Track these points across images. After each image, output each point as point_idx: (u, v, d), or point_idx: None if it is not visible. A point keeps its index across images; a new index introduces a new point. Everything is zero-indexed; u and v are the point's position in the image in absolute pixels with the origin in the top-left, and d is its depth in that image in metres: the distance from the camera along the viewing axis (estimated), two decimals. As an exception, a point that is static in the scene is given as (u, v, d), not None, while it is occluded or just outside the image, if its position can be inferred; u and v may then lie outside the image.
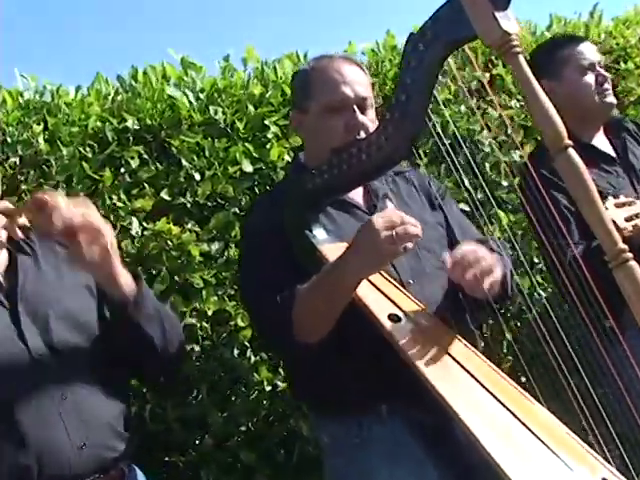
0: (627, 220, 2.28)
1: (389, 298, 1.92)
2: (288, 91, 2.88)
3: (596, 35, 3.65)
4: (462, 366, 1.80)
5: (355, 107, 2.08)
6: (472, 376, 1.78)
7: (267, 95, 2.90)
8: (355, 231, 1.82)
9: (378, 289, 1.92)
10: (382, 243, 1.75)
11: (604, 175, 2.76)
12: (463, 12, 1.62)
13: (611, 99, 2.84)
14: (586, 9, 3.71)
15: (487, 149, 3.19)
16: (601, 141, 2.87)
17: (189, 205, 2.64)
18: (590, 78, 2.79)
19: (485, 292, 1.85)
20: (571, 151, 1.49)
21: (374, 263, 1.83)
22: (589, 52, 2.84)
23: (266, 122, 2.83)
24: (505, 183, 3.18)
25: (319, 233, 1.97)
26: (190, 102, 2.77)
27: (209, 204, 2.67)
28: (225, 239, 2.65)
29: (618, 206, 2.40)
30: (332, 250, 1.92)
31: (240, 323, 2.57)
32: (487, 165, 3.15)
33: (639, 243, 1.90)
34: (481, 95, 3.33)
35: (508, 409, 1.74)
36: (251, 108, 2.83)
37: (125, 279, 1.74)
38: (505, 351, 3.09)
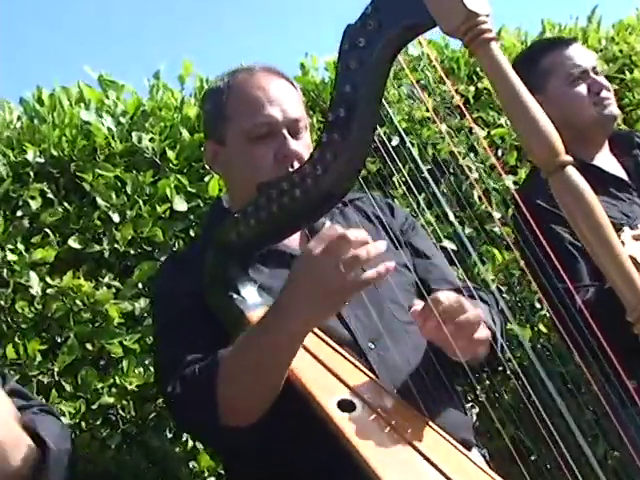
0: None
1: (337, 376, 1.50)
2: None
3: (596, 42, 3.19)
4: (427, 459, 1.41)
5: (285, 132, 1.69)
6: (438, 469, 1.39)
7: (205, 118, 2.40)
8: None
9: (322, 363, 1.50)
10: (328, 277, 1.34)
11: (614, 203, 2.30)
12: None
13: (611, 110, 2.36)
14: (583, 13, 3.23)
15: (475, 175, 2.70)
16: (607, 161, 2.40)
17: (106, 254, 2.21)
18: (582, 88, 2.33)
19: (469, 352, 1.48)
20: (570, 170, 1.12)
21: (322, 308, 1.41)
22: (579, 56, 2.38)
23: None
24: (497, 214, 2.71)
25: (249, 294, 1.57)
26: (108, 128, 2.27)
27: (132, 252, 2.23)
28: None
29: (636, 239, 1.98)
30: None
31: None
32: (475, 194, 2.66)
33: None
34: (465, 113, 2.85)
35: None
36: (185, 134, 2.37)
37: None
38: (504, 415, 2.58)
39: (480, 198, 2.71)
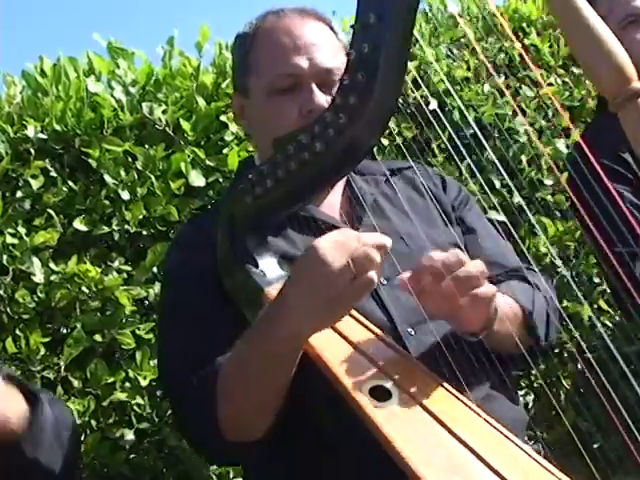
0: None
1: (371, 359, 1.28)
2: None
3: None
4: (477, 455, 1.18)
5: (313, 84, 1.49)
6: (490, 468, 1.17)
7: (223, 85, 2.24)
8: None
9: (352, 344, 1.29)
10: (336, 279, 1.14)
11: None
12: None
13: None
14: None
15: (523, 139, 2.46)
16: None
17: (116, 236, 2.03)
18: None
19: (476, 315, 1.31)
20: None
21: (326, 313, 1.19)
22: None
23: (222, 119, 2.18)
24: (549, 182, 2.48)
25: (269, 267, 1.38)
26: (117, 99, 2.08)
27: (144, 233, 2.06)
28: None
29: None
30: None
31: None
32: (524, 159, 2.43)
33: None
34: (511, 72, 2.60)
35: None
36: (202, 103, 2.18)
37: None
38: (564, 404, 2.35)
39: (529, 164, 2.47)
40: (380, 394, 1.22)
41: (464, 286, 1.24)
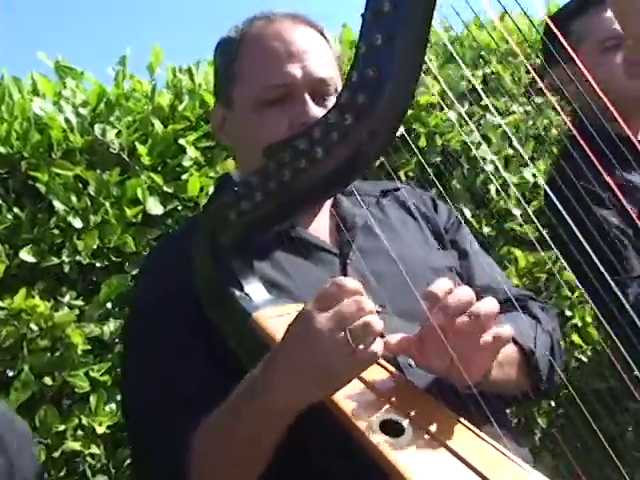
0: None
1: (378, 392, 1.15)
2: (211, 101, 2.08)
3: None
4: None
5: (306, 95, 1.38)
6: None
7: (180, 108, 2.10)
8: (318, 287, 1.09)
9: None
10: (332, 354, 1.02)
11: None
12: None
13: None
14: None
15: (489, 167, 2.38)
16: None
17: (66, 268, 1.88)
18: (618, 56, 2.04)
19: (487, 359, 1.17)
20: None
21: (320, 390, 1.07)
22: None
23: (181, 143, 2.05)
24: (517, 212, 2.37)
25: (255, 291, 1.25)
26: (66, 119, 1.93)
27: (97, 264, 1.91)
28: (124, 315, 1.87)
29: None
30: (276, 319, 1.19)
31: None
32: (492, 189, 2.32)
33: None
34: (473, 100, 2.53)
35: None
36: (158, 126, 2.05)
37: None
38: (538, 443, 2.26)
39: (497, 193, 2.39)
40: (391, 428, 1.09)
41: (479, 327, 1.11)
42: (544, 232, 2.08)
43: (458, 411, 1.16)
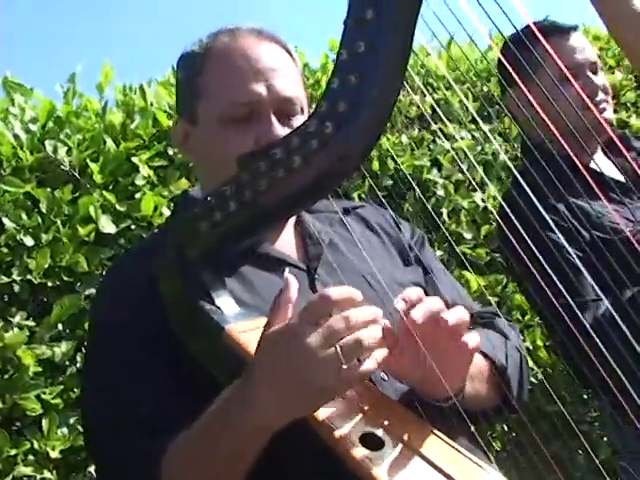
0: None
1: (354, 406, 1.11)
2: (163, 119, 2.05)
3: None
4: None
5: (271, 114, 1.34)
6: None
7: (132, 126, 2.06)
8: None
9: None
10: (323, 371, 0.98)
11: (616, 207, 2.00)
12: None
13: (605, 115, 2.07)
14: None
15: (441, 191, 2.39)
16: (602, 164, 2.11)
17: (17, 288, 1.83)
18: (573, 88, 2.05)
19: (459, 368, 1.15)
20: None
21: (304, 409, 1.03)
22: (576, 49, 2.08)
23: (133, 161, 2.02)
24: (468, 235, 2.38)
25: (225, 304, 1.21)
26: (15, 136, 1.88)
27: (49, 284, 1.87)
28: (76, 336, 1.84)
29: None
30: (249, 333, 1.14)
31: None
32: (444, 212, 2.34)
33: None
34: (422, 125, 2.56)
35: None
36: (110, 144, 2.01)
37: None
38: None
39: (449, 216, 2.41)
40: (370, 441, 1.06)
41: (451, 335, 1.10)
42: (495, 256, 2.11)
43: (431, 421, 1.15)
